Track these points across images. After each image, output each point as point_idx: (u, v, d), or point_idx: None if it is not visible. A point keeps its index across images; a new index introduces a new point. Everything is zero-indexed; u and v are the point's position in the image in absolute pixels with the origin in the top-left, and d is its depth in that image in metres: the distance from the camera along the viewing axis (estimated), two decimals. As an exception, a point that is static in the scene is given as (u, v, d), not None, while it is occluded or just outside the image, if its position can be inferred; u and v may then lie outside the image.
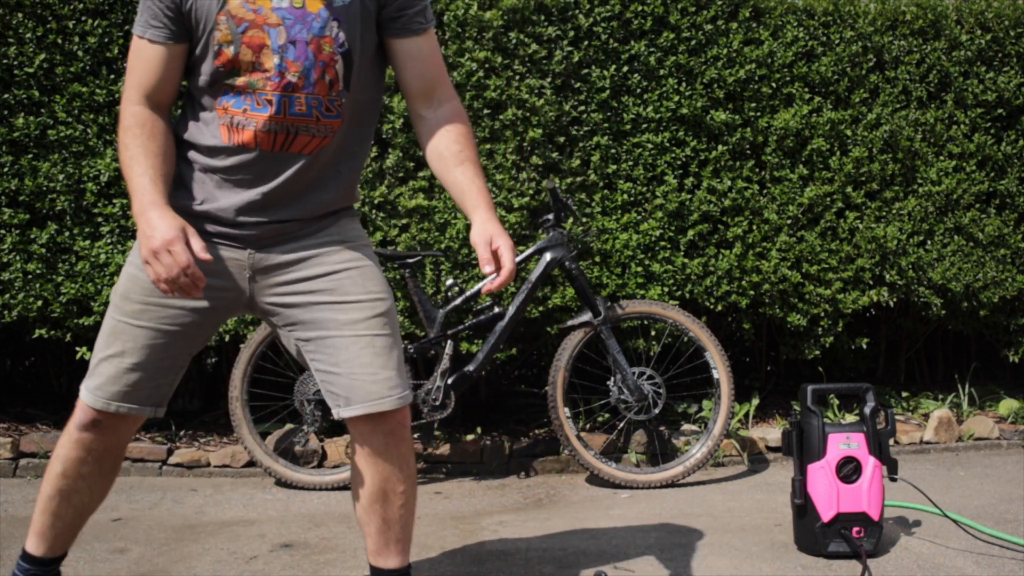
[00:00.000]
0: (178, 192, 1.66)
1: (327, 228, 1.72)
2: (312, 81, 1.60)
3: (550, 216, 3.27)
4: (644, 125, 3.69)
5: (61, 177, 3.20)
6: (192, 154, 1.66)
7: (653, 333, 3.68)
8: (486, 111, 3.50)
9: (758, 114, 3.83)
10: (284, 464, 3.20)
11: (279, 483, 3.21)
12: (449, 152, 1.72)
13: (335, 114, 1.64)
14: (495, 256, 1.66)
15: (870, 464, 2.42)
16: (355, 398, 1.67)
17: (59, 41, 3.22)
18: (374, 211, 3.44)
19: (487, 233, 1.68)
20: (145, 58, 1.61)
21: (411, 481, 1.76)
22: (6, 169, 3.21)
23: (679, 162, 3.74)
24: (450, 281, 3.26)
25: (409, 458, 1.75)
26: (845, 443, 2.43)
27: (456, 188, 1.73)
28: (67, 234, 3.25)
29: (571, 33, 3.56)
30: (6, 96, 3.21)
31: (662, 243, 3.68)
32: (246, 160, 1.62)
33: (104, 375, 1.65)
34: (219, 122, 1.62)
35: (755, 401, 3.97)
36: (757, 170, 3.87)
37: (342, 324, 1.68)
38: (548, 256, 3.24)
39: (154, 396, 1.70)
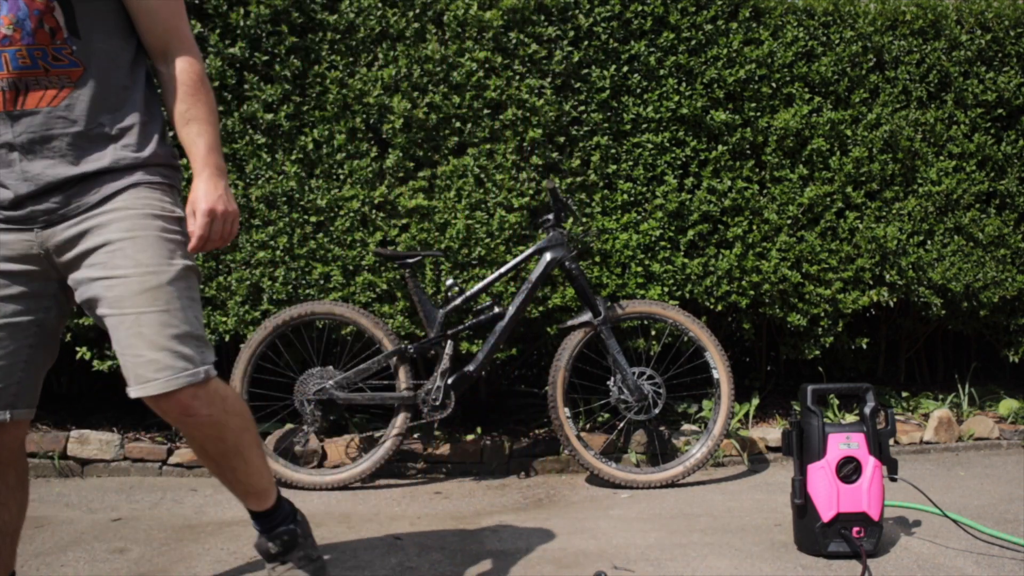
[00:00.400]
0: None
1: (113, 198, 1.63)
2: (30, 31, 1.55)
3: (550, 216, 3.27)
4: (644, 125, 3.69)
5: (61, 177, 3.20)
6: None
7: (653, 333, 3.68)
8: (486, 111, 3.51)
9: (758, 114, 3.83)
10: (284, 464, 3.20)
11: (279, 483, 3.21)
12: (177, 112, 1.71)
13: (66, 63, 1.58)
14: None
15: (870, 464, 2.42)
16: (130, 379, 1.63)
17: (59, 41, 3.21)
18: (374, 211, 3.44)
19: (191, 203, 1.68)
20: None
21: (224, 454, 1.77)
22: (6, 169, 3.21)
23: (679, 162, 3.74)
24: (450, 281, 3.26)
25: (210, 436, 1.73)
26: (845, 443, 2.43)
27: (185, 149, 1.71)
28: (67, 234, 3.25)
29: (571, 33, 3.57)
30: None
31: (662, 243, 3.68)
32: None
33: None
34: None
35: (755, 401, 3.97)
36: (757, 170, 3.87)
37: (111, 302, 1.61)
38: (548, 256, 3.25)
39: (3, 397, 1.64)
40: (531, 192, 3.53)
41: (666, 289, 3.66)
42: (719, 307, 3.77)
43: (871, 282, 3.99)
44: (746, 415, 3.91)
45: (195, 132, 1.69)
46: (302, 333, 3.48)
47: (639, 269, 3.63)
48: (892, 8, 4.09)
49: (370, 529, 2.73)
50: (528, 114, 3.52)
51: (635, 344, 3.69)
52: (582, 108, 3.62)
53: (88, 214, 1.62)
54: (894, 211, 4.01)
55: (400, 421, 3.22)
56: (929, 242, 4.07)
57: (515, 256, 3.45)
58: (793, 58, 3.89)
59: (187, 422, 1.68)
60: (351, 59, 3.44)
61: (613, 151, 3.66)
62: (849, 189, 3.93)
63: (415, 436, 3.59)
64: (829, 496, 2.40)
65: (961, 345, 4.86)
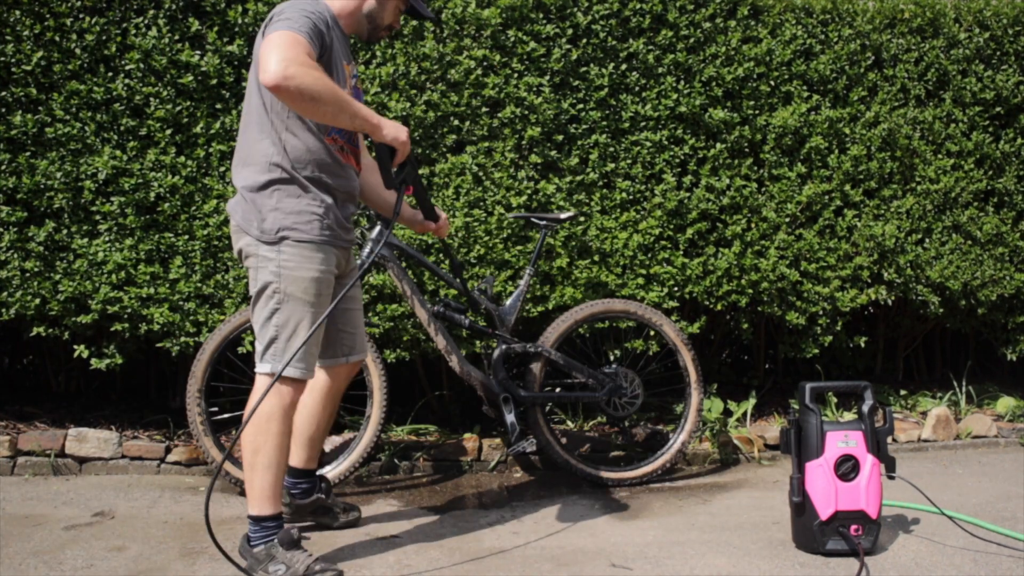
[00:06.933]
0: None
1: None
2: None
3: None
4: (642, 123, 3.69)
5: (59, 175, 3.20)
6: None
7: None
8: (484, 109, 3.50)
9: (756, 112, 3.83)
10: None
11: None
12: None
13: None
14: None
15: (868, 462, 2.43)
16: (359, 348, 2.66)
17: (57, 38, 3.21)
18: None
19: None
20: None
21: None
22: (3, 167, 3.20)
23: (678, 160, 3.74)
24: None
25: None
26: (843, 441, 2.44)
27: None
28: (65, 232, 3.25)
29: (569, 31, 3.56)
30: (3, 94, 3.20)
31: (662, 242, 3.68)
32: None
33: None
34: None
35: (753, 399, 3.97)
36: (755, 168, 3.87)
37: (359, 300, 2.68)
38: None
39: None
40: (529, 191, 3.53)
41: (666, 290, 3.65)
42: (719, 306, 3.77)
43: (869, 280, 3.99)
44: (744, 413, 3.91)
45: None
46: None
47: (642, 271, 3.63)
48: (890, 6, 4.08)
49: (369, 527, 2.73)
50: (526, 112, 3.52)
51: (634, 344, 3.69)
52: (580, 106, 3.62)
53: None
54: (892, 209, 4.01)
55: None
56: (927, 240, 4.07)
57: (514, 255, 3.45)
58: (791, 56, 3.88)
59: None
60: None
61: (612, 149, 3.66)
62: (847, 187, 3.93)
63: (413, 434, 3.59)
64: (827, 494, 2.41)
65: (959, 343, 4.86)
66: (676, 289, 3.69)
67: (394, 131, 2.18)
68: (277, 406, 2.22)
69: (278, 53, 1.96)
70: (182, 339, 3.29)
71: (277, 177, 2.21)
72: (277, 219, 2.20)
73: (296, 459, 2.61)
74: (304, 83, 1.96)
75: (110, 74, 3.25)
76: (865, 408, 2.50)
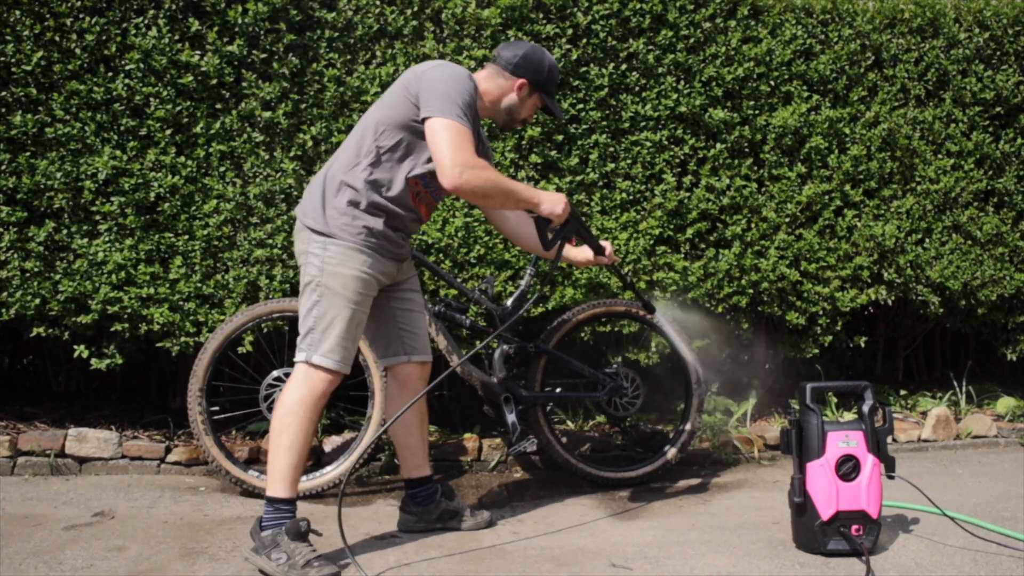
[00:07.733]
0: None
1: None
2: None
3: None
4: (642, 123, 3.69)
5: (59, 175, 3.20)
6: None
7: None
8: (484, 109, 3.50)
9: (756, 112, 3.83)
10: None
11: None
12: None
13: None
14: None
15: (869, 462, 2.42)
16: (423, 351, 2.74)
17: (57, 38, 3.20)
18: (372, 209, 3.42)
19: None
20: None
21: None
22: (3, 167, 3.20)
23: (677, 160, 3.74)
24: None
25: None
26: (844, 441, 2.43)
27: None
28: (65, 232, 3.25)
29: (569, 31, 3.56)
30: (3, 94, 3.20)
31: (661, 246, 3.67)
32: None
33: None
34: None
35: (753, 399, 3.97)
36: (755, 168, 3.87)
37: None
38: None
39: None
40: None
41: (667, 295, 3.65)
42: (720, 309, 3.77)
43: (869, 280, 3.99)
44: (744, 413, 3.91)
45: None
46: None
47: (645, 277, 3.62)
48: (890, 6, 4.09)
49: (369, 527, 2.73)
50: (526, 112, 3.51)
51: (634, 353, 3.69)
52: (580, 106, 3.62)
53: None
54: (892, 209, 4.01)
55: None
56: (927, 240, 4.07)
57: (514, 255, 3.45)
58: (791, 56, 3.89)
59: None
60: (349, 57, 3.44)
61: (612, 149, 3.66)
62: (847, 187, 3.94)
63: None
64: (828, 494, 2.40)
65: (959, 343, 4.86)
66: (678, 293, 3.68)
67: (550, 206, 2.43)
68: (308, 394, 2.32)
69: (452, 155, 2.21)
70: (182, 339, 3.29)
71: (350, 183, 2.36)
72: (334, 216, 2.35)
73: (405, 471, 2.73)
74: (477, 186, 2.24)
75: (110, 74, 3.25)
76: (865, 408, 2.50)
